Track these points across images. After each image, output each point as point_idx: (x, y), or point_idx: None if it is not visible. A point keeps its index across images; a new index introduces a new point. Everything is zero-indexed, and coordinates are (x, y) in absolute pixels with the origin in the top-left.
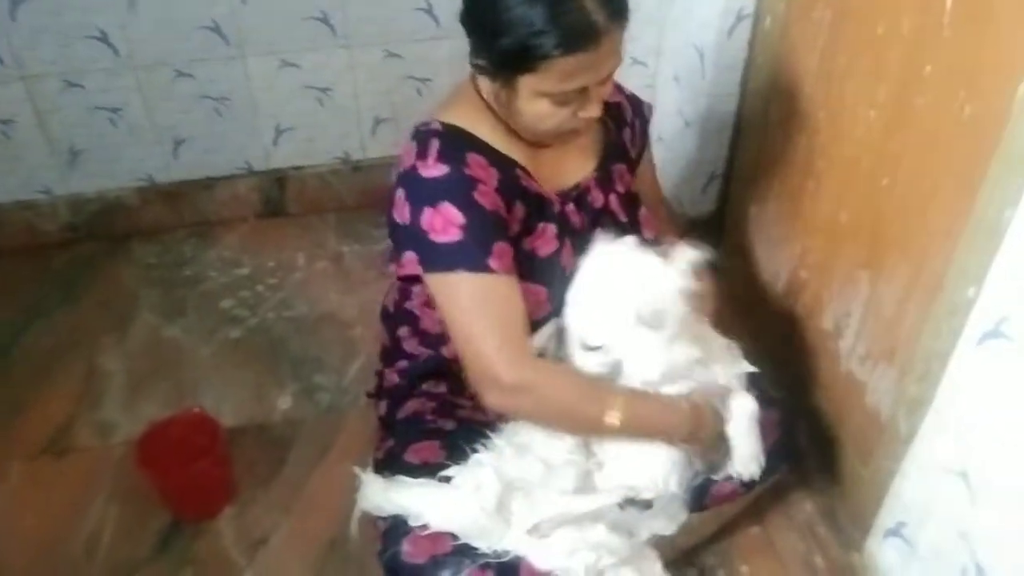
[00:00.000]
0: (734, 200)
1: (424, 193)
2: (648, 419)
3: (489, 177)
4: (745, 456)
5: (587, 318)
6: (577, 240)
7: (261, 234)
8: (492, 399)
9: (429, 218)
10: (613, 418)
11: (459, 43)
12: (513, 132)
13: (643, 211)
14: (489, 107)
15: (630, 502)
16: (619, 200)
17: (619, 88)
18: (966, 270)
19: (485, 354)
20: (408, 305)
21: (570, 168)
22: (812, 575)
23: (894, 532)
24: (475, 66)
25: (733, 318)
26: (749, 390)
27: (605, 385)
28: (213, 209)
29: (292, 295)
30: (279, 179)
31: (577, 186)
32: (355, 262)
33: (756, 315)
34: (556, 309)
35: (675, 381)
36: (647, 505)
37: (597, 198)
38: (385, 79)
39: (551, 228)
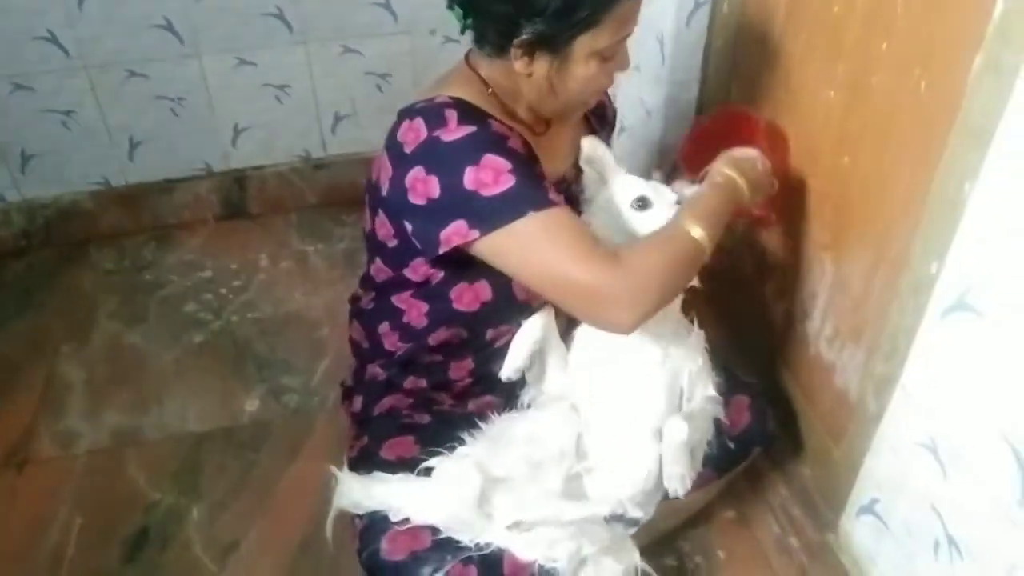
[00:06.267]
0: None
1: (457, 156)
2: (715, 210)
3: (514, 136)
4: (673, 477)
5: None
6: None
7: (222, 236)
8: (614, 318)
9: (474, 176)
10: (698, 235)
11: (418, 38)
12: (516, 117)
13: None
14: (490, 89)
15: (617, 518)
16: None
17: None
18: (928, 245)
19: (579, 280)
20: (394, 299)
21: (559, 160)
22: (788, 557)
23: (867, 509)
24: (517, 46)
25: (701, 304)
26: (718, 373)
27: (670, 223)
28: (172, 212)
29: (256, 297)
30: (239, 179)
31: (564, 178)
32: (319, 261)
33: (725, 300)
34: None
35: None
36: (633, 523)
37: (577, 191)
38: (344, 75)
39: None
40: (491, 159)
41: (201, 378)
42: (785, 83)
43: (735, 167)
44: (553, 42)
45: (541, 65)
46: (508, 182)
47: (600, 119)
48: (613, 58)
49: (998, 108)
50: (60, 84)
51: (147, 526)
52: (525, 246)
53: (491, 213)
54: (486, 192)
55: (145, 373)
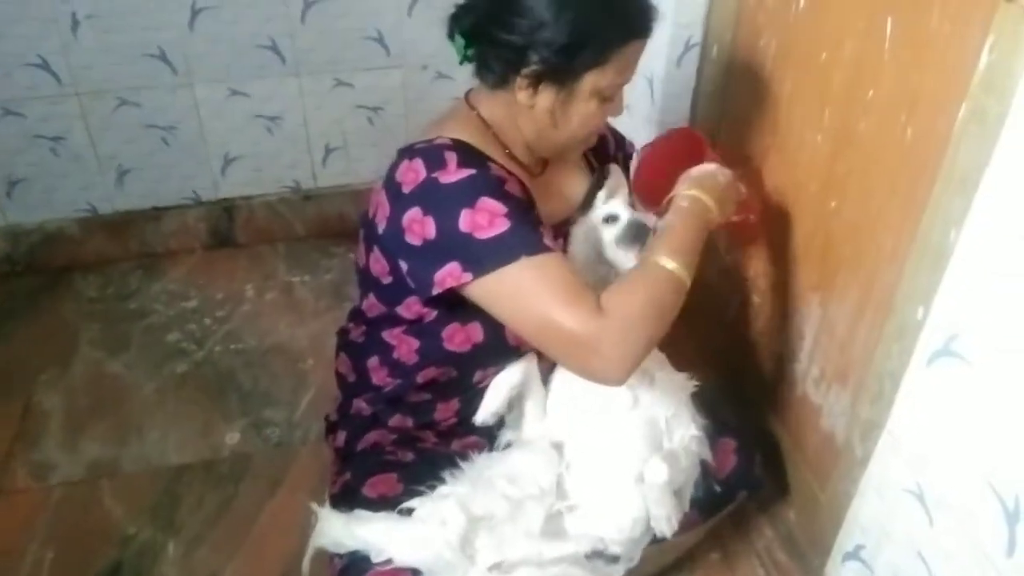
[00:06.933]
0: None
1: (454, 198)
2: (687, 237)
3: (512, 180)
4: (660, 519)
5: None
6: None
7: (209, 265)
8: (603, 367)
9: (469, 219)
10: (672, 267)
11: (410, 73)
12: (514, 158)
13: None
14: (490, 129)
15: (597, 554)
16: None
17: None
18: (914, 290)
19: (566, 327)
20: (384, 334)
21: (558, 201)
22: None
23: (853, 555)
24: (524, 76)
25: (687, 345)
26: (704, 415)
27: (643, 261)
28: (159, 240)
29: (241, 328)
30: (228, 209)
31: (566, 221)
32: (306, 293)
33: (711, 341)
34: None
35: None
36: (613, 559)
37: None
38: (336, 108)
39: None
40: (487, 202)
41: (182, 409)
42: (773, 126)
43: (697, 186)
44: (561, 75)
45: (545, 98)
46: (503, 226)
47: (601, 157)
48: (611, 100)
49: (983, 156)
50: (50, 110)
51: (121, 561)
52: (516, 291)
53: (485, 256)
54: (480, 235)
55: (125, 403)
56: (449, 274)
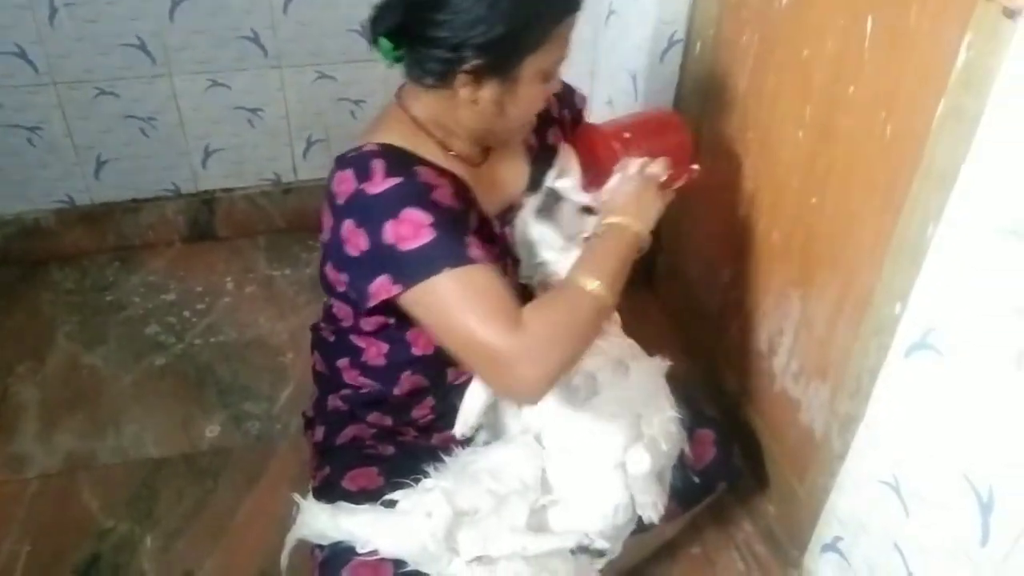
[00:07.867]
0: (667, 222)
1: (379, 209)
2: (606, 257)
3: (443, 184)
4: (646, 505)
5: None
6: (516, 262)
7: (188, 258)
8: (517, 383)
9: (393, 230)
10: (593, 287)
11: (393, 66)
12: (451, 153)
13: None
14: (423, 128)
15: (583, 549)
16: None
17: None
18: (892, 286)
19: (482, 340)
20: (352, 338)
21: (501, 189)
22: None
23: (831, 547)
24: (465, 72)
25: (669, 338)
26: (683, 409)
27: (565, 281)
28: (138, 232)
29: (220, 321)
30: (207, 201)
31: (511, 207)
32: (286, 286)
33: (691, 335)
34: None
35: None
36: (599, 554)
37: None
38: (317, 100)
39: (495, 248)
40: (410, 213)
41: (160, 402)
42: (755, 123)
43: (609, 212)
44: (501, 66)
45: (489, 90)
46: (427, 236)
47: (543, 120)
48: (552, 78)
49: (960, 153)
50: (27, 100)
51: (99, 554)
52: (440, 303)
53: (409, 268)
54: (404, 246)
55: (103, 396)
56: (381, 286)
